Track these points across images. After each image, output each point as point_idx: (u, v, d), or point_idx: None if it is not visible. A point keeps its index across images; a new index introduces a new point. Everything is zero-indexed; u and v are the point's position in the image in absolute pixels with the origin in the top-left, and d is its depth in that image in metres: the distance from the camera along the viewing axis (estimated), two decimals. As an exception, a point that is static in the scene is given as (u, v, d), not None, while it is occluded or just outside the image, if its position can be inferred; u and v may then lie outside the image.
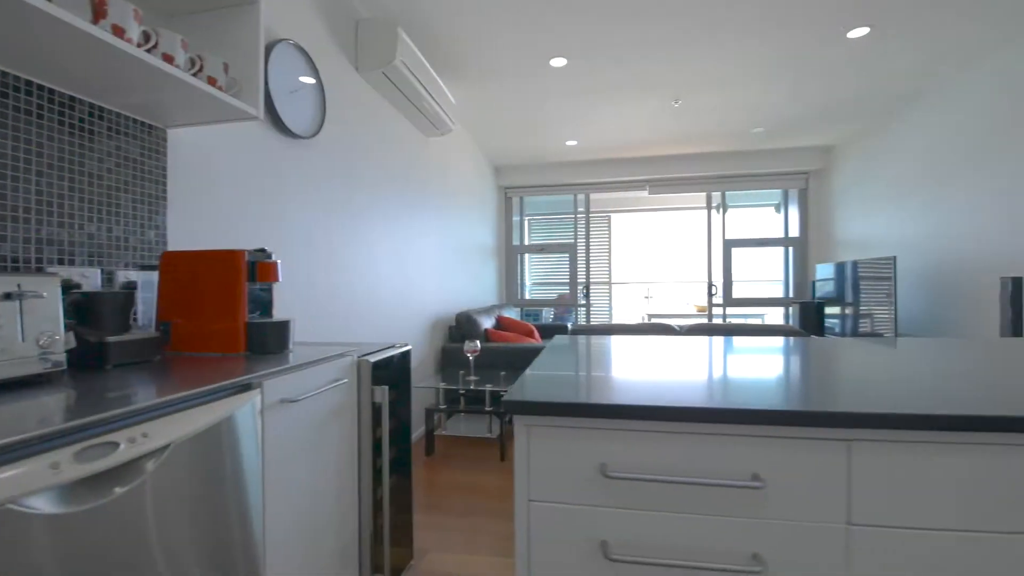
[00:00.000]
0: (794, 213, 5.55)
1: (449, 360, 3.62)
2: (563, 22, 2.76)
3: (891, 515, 0.64)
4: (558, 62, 3.26)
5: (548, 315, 6.35)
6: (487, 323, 3.91)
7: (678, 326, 2.82)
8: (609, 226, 7.94)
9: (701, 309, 6.38)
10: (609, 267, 7.91)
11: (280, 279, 1.26)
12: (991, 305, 3.13)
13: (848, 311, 4.43)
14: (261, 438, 0.98)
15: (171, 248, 1.45)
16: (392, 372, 1.49)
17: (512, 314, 4.89)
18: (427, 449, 2.95)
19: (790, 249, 5.55)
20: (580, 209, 6.05)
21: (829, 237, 5.28)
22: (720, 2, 2.58)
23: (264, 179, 1.83)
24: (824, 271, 4.76)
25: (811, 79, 3.55)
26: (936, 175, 3.69)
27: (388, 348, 1.48)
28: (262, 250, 1.27)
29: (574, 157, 5.53)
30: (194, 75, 1.29)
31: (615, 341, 1.43)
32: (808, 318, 4.60)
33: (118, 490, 0.68)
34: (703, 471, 0.67)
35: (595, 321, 6.71)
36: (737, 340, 1.44)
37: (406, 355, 1.58)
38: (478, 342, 3.04)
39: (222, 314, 1.19)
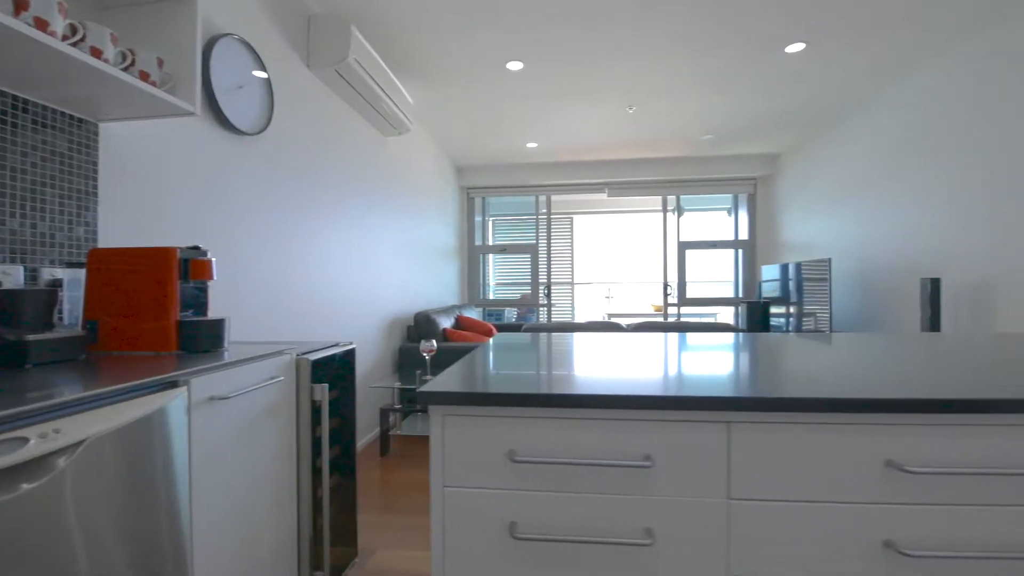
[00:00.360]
0: (744, 217, 5.81)
1: (406, 360, 3.62)
2: (518, 27, 2.82)
3: (765, 489, 0.71)
4: (515, 65, 3.31)
5: (511, 315, 6.41)
6: (446, 323, 3.92)
7: (626, 324, 2.92)
8: (572, 227, 8.08)
9: (658, 309, 6.58)
10: (572, 268, 8.06)
11: (215, 277, 1.26)
12: (914, 303, 3.38)
13: (792, 310, 4.69)
14: (188, 436, 0.98)
15: (104, 246, 1.41)
16: (334, 371, 1.50)
17: (473, 314, 4.92)
18: (382, 449, 2.95)
19: (740, 251, 5.81)
20: (542, 211, 6.14)
21: (775, 240, 5.55)
22: (668, 14, 2.69)
23: (206, 176, 1.80)
24: (770, 272, 5.01)
25: (755, 90, 3.74)
26: (865, 183, 3.96)
27: (331, 346, 1.49)
28: (196, 247, 1.26)
29: (535, 159, 5.61)
30: (124, 69, 1.27)
31: (555, 338, 1.49)
32: (755, 317, 4.83)
33: (26, 486, 0.68)
34: (601, 454, 0.73)
35: (557, 320, 6.82)
36: (669, 336, 1.53)
37: (350, 353, 1.59)
38: (434, 341, 3.06)
39: (152, 313, 1.18)
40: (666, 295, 5.85)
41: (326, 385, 1.35)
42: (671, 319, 5.90)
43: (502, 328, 4.88)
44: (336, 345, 1.54)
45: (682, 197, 5.88)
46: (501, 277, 6.74)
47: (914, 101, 3.38)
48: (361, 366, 3.11)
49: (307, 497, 1.35)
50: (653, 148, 5.24)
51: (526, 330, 2.85)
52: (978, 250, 2.86)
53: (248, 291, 2.00)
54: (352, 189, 3.04)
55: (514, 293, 6.51)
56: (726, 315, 6.33)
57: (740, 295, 5.80)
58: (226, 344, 1.26)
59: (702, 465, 0.72)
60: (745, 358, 1.06)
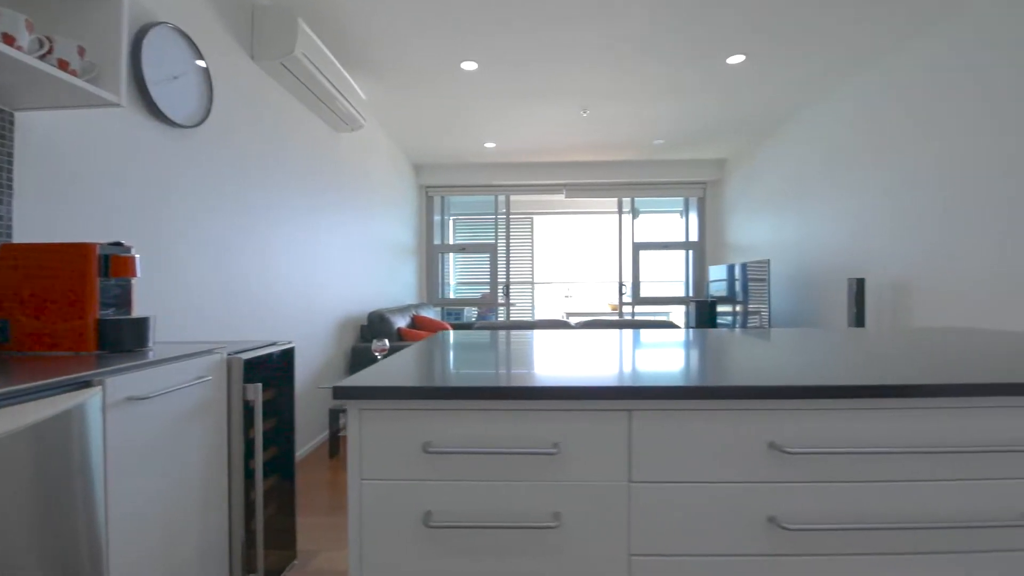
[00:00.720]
0: (694, 219, 6.04)
1: (359, 360, 3.57)
2: (471, 28, 2.84)
3: (663, 472, 0.76)
4: (469, 65, 3.33)
5: (471, 314, 6.42)
6: (401, 322, 3.89)
7: (575, 323, 2.99)
8: (532, 227, 8.16)
9: (614, 308, 6.74)
10: (532, 267, 8.14)
11: (139, 274, 1.22)
12: (844, 301, 3.62)
13: (738, 308, 4.91)
14: (104, 437, 0.95)
15: (20, 241, 1.34)
16: (271, 370, 1.48)
17: (431, 314, 4.90)
18: (331, 451, 2.90)
19: (690, 252, 6.04)
20: (501, 210, 6.17)
21: (722, 241, 5.80)
22: (616, 23, 2.78)
23: (136, 169, 1.73)
24: (717, 272, 5.23)
25: (701, 98, 3.91)
26: (801, 189, 4.20)
27: (267, 346, 1.47)
28: (119, 244, 1.21)
29: (493, 159, 5.64)
30: (41, 57, 1.21)
31: (495, 335, 1.52)
32: (703, 315, 5.04)
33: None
34: (512, 442, 0.76)
35: (516, 319, 6.87)
36: (607, 333, 1.59)
37: (288, 353, 1.57)
38: (387, 341, 3.03)
39: (69, 311, 1.13)
40: (621, 294, 6.01)
41: (259, 385, 1.33)
42: (626, 317, 6.07)
43: (457, 327, 4.89)
44: (273, 344, 1.51)
45: (637, 199, 6.05)
46: (462, 276, 6.73)
47: (844, 113, 3.62)
48: (311, 366, 3.05)
49: (239, 499, 1.32)
50: (608, 151, 5.37)
51: (478, 328, 2.87)
52: (898, 253, 3.10)
53: (185, 290, 1.93)
54: (302, 185, 2.97)
55: (475, 292, 6.52)
56: (678, 313, 6.56)
57: (691, 294, 6.03)
58: (151, 344, 1.23)
59: (606, 451, 0.76)
60: (659, 352, 1.13)
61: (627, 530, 0.76)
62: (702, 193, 5.93)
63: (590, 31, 2.87)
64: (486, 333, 1.56)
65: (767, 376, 0.81)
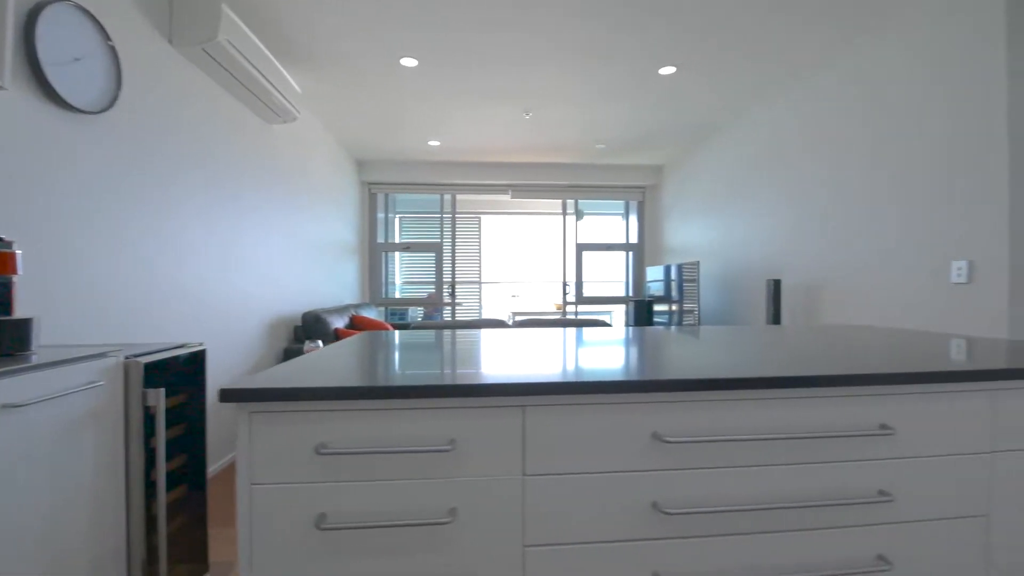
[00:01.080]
0: (634, 222, 6.27)
1: (293, 362, 3.44)
2: (410, 24, 2.80)
3: (555, 464, 0.80)
4: (409, 62, 3.29)
5: (417, 314, 6.33)
6: (339, 323, 3.79)
7: (512, 321, 3.03)
8: (479, 227, 8.16)
9: (559, 307, 6.87)
10: (480, 267, 8.14)
11: (20, 271, 1.12)
12: (763, 300, 3.88)
13: (674, 307, 5.14)
14: (-33, 450, 0.87)
15: None
16: (178, 374, 1.40)
17: (372, 314, 4.79)
18: (259, 456, 2.77)
19: (630, 253, 6.26)
20: (447, 209, 6.14)
21: (660, 244, 6.06)
22: (555, 28, 2.83)
23: (26, 155, 1.59)
24: (654, 273, 5.45)
25: (637, 106, 4.06)
26: (727, 195, 4.46)
27: (172, 348, 1.39)
28: (-4, 239, 1.11)
29: (438, 157, 5.60)
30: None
31: (416, 335, 1.52)
32: (641, 314, 5.24)
33: None
34: (407, 441, 0.77)
35: (460, 319, 6.85)
36: (528, 332, 1.62)
37: (198, 355, 1.49)
38: (320, 342, 2.95)
39: (-68, 312, 1.03)
40: (565, 294, 6.13)
41: (162, 390, 1.26)
42: (569, 316, 6.20)
43: (398, 327, 4.82)
44: (182, 346, 1.44)
45: (582, 201, 6.20)
46: (408, 275, 6.63)
47: (760, 128, 3.87)
48: (238, 369, 2.91)
49: (139, 512, 1.25)
50: (552, 153, 5.47)
51: (414, 328, 2.85)
52: (810, 256, 3.36)
53: (86, 290, 1.79)
54: (229, 179, 2.83)
55: (421, 292, 6.44)
56: (619, 312, 6.78)
57: (631, 294, 6.25)
58: (34, 347, 1.13)
59: (501, 446, 0.79)
60: (563, 349, 1.17)
61: (522, 522, 0.79)
62: (642, 197, 6.16)
63: (529, 35, 2.92)
64: (408, 333, 1.56)
65: (653, 371, 0.87)
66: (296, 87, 3.31)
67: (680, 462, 0.82)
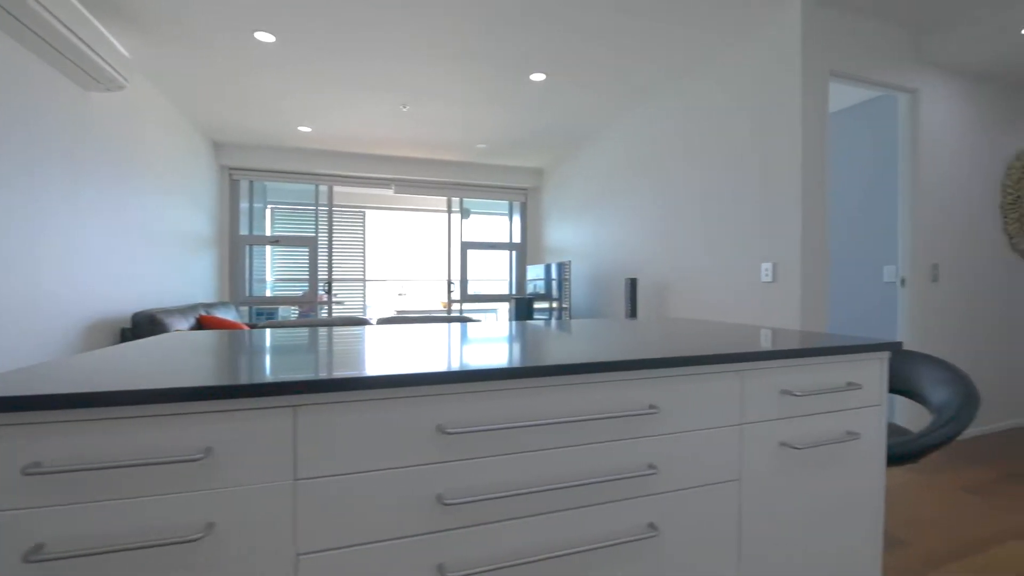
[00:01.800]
0: (518, 222, 6.45)
1: (118, 369, 2.97)
2: (255, -5, 2.56)
3: (333, 465, 0.77)
4: (265, 37, 3.02)
5: (289, 313, 5.86)
6: (181, 324, 3.36)
7: (376, 320, 2.94)
8: (364, 222, 7.80)
9: (445, 305, 6.84)
10: (364, 264, 7.79)
11: None
12: (621, 297, 4.21)
13: (553, 304, 5.38)
14: None
15: None
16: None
17: (230, 314, 4.33)
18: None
19: (514, 252, 6.43)
20: (323, 201, 5.77)
21: (540, 244, 6.31)
22: (427, 24, 2.77)
23: None
24: (535, 272, 5.66)
25: (513, 109, 4.16)
26: (596, 199, 4.78)
27: None
28: None
29: (310, 144, 5.24)
30: None
31: (232, 335, 1.39)
32: (522, 311, 5.40)
33: None
34: (152, 452, 0.69)
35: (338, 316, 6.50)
36: (386, 328, 1.56)
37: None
38: (150, 345, 2.57)
39: None
40: (450, 292, 6.11)
41: None
42: (454, 314, 6.19)
43: (254, 327, 4.42)
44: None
45: (468, 201, 6.21)
46: (281, 272, 6.11)
47: (631, 133, 4.21)
48: (35, 380, 2.43)
49: None
50: (435, 150, 5.40)
51: (262, 327, 2.62)
52: (662, 257, 3.72)
53: None
54: (27, 152, 2.35)
55: (297, 290, 5.97)
56: (502, 310, 6.94)
57: (514, 292, 6.42)
58: None
59: (267, 451, 0.73)
60: (369, 345, 1.14)
61: (292, 529, 0.74)
62: (524, 198, 6.35)
63: (397, 25, 2.83)
64: (216, 333, 1.41)
65: (442, 363, 0.88)
66: (123, 51, 2.86)
67: (464, 452, 0.83)
